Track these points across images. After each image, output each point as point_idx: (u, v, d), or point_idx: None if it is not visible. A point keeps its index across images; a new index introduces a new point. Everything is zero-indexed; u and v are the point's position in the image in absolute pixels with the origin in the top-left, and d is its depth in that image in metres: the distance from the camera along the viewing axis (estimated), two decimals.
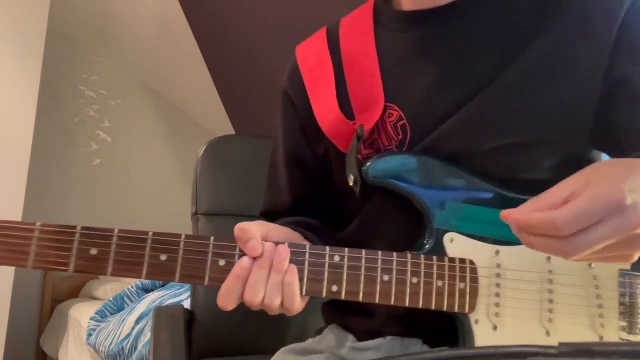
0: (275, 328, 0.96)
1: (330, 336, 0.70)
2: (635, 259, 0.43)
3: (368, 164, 0.56)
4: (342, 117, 0.61)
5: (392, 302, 0.52)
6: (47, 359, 2.69)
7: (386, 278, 0.52)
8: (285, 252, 0.49)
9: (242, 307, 0.97)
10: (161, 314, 0.93)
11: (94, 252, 0.47)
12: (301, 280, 0.50)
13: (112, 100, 2.91)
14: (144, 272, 0.48)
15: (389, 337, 0.62)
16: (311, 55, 0.67)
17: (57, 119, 2.92)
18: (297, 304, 0.50)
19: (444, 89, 0.58)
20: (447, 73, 0.58)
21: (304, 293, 0.50)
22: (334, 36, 0.67)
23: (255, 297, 0.48)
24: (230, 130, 3.14)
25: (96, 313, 2.14)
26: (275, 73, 2.73)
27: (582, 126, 0.56)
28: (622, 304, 0.55)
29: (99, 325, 2.06)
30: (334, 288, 0.51)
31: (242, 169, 1.06)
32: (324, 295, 0.51)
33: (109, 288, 2.57)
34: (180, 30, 2.66)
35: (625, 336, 0.55)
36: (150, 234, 0.49)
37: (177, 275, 0.49)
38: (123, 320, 1.91)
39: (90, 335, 2.05)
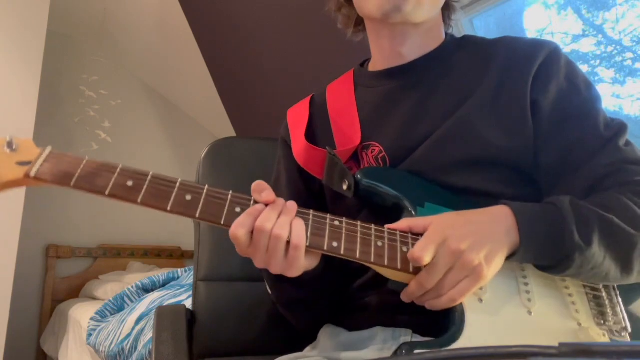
0: (275, 329, 0.96)
1: (323, 335, 0.75)
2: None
3: (360, 170, 0.67)
4: (309, 146, 0.76)
5: (386, 264, 0.57)
6: (47, 359, 2.69)
7: (379, 243, 0.58)
8: (293, 205, 0.57)
9: (243, 309, 0.98)
10: (163, 313, 0.93)
11: (129, 183, 0.54)
12: (305, 233, 0.56)
13: (112, 100, 2.91)
14: (170, 204, 0.54)
15: (380, 327, 0.67)
16: (295, 114, 0.85)
17: (57, 119, 2.93)
18: (302, 247, 0.55)
19: (412, 126, 0.71)
20: (413, 114, 0.72)
21: (308, 243, 0.56)
22: (320, 99, 0.84)
23: (267, 223, 0.54)
24: (231, 131, 3.15)
25: (96, 313, 2.14)
26: (275, 74, 2.74)
27: (524, 148, 0.68)
28: (587, 294, 0.62)
29: (99, 325, 2.07)
30: (334, 244, 0.57)
31: (245, 171, 1.06)
32: (325, 249, 0.56)
33: (109, 288, 2.57)
34: (180, 31, 2.66)
35: (600, 323, 0.60)
36: (179, 181, 0.56)
37: (198, 212, 0.55)
38: (123, 320, 1.91)
39: (90, 335, 2.05)
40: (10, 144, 0.55)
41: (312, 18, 2.03)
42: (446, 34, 0.80)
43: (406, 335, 0.64)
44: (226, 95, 2.95)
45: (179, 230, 3.17)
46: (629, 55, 1.60)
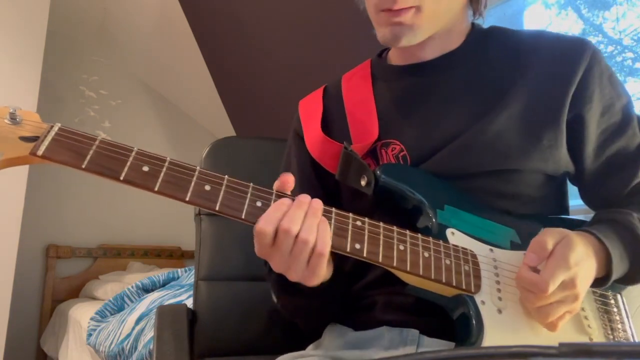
0: (276, 328, 0.97)
1: (329, 334, 0.73)
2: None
3: (380, 167, 0.65)
4: (325, 138, 0.73)
5: (408, 269, 0.56)
6: (47, 359, 2.69)
7: (402, 247, 0.56)
8: (319, 203, 0.54)
9: (244, 308, 0.98)
10: (164, 312, 0.93)
11: (145, 168, 0.51)
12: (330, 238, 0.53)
13: (112, 100, 2.91)
14: (189, 195, 0.51)
15: (387, 327, 0.66)
16: (307, 105, 0.81)
17: (57, 119, 2.91)
18: (326, 254, 0.52)
19: (435, 126, 0.68)
20: (436, 113, 0.69)
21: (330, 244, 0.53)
22: (334, 90, 0.81)
23: (293, 225, 0.51)
24: (231, 131, 3.14)
25: (96, 313, 2.14)
26: (275, 73, 2.73)
27: (554, 160, 0.67)
28: (598, 309, 0.63)
29: (99, 325, 2.07)
30: (357, 245, 0.54)
31: (245, 170, 1.06)
32: (348, 250, 0.54)
33: (109, 288, 2.57)
34: (181, 30, 2.66)
35: (610, 338, 0.61)
36: (197, 169, 0.52)
37: (218, 204, 0.51)
38: (123, 320, 1.92)
39: (90, 335, 2.05)
40: (13, 116, 0.48)
41: (312, 18, 2.03)
42: (473, 24, 0.75)
43: (413, 336, 0.63)
44: (226, 95, 2.95)
45: (179, 230, 3.17)
46: (629, 55, 1.60)
